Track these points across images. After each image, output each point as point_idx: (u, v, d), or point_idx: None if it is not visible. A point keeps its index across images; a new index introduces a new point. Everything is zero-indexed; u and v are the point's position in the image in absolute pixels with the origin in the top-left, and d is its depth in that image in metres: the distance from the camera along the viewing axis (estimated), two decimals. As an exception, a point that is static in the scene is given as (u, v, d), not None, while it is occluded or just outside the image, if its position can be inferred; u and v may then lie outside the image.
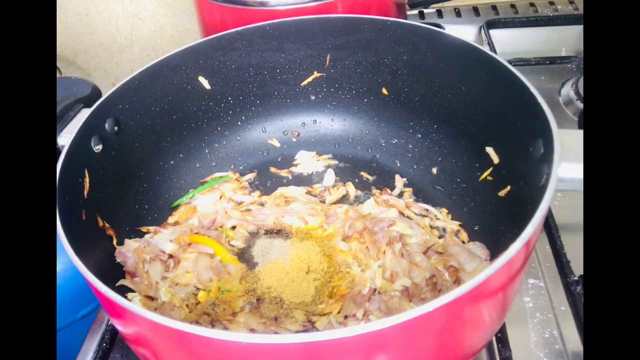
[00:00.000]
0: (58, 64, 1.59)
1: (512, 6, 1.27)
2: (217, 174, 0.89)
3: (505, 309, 0.56)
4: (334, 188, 0.86)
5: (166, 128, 0.85)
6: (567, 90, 1.01)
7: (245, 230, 0.78)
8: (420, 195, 0.82)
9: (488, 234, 0.72)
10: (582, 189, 0.53)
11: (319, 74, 0.91)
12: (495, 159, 0.72)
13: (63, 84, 0.89)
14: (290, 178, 0.89)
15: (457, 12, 1.29)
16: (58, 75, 1.57)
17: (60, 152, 0.64)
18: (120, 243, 0.72)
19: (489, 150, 0.73)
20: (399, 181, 0.85)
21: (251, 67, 0.89)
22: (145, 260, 0.70)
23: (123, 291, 0.67)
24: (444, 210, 0.78)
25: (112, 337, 0.70)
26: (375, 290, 0.67)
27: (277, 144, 0.94)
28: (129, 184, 0.79)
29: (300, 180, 0.89)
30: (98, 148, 0.72)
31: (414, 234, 0.73)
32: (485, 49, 0.71)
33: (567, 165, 0.54)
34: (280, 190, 0.85)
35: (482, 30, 1.17)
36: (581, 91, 0.98)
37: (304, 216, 0.78)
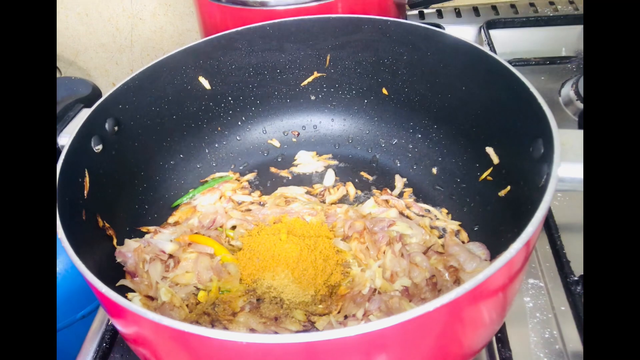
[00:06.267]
0: (58, 64, 1.59)
1: (512, 6, 1.27)
2: (217, 174, 0.89)
3: (505, 309, 0.56)
4: (334, 188, 0.86)
5: (166, 128, 0.85)
6: (567, 90, 1.01)
7: (245, 230, 0.78)
8: (420, 195, 0.82)
9: (488, 234, 0.72)
10: (582, 189, 0.53)
11: (319, 74, 0.91)
12: (495, 159, 0.72)
13: (63, 84, 0.89)
14: (290, 178, 0.89)
15: (457, 12, 1.29)
16: (58, 75, 1.57)
17: (60, 152, 0.64)
18: (120, 243, 0.72)
19: (489, 150, 0.73)
20: (399, 181, 0.85)
21: (251, 67, 0.89)
22: (145, 260, 0.70)
23: (123, 291, 0.67)
24: (444, 210, 0.79)
25: (112, 337, 0.70)
26: (375, 290, 0.67)
27: (277, 144, 0.94)
28: (129, 184, 0.79)
29: (300, 180, 0.89)
30: (98, 148, 0.72)
31: (414, 234, 0.73)
32: (485, 49, 0.71)
33: (567, 165, 0.54)
34: (280, 190, 0.85)
35: (482, 30, 1.17)
36: (581, 91, 0.98)
37: (304, 216, 0.78)
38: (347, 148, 0.93)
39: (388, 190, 0.83)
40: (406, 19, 1.13)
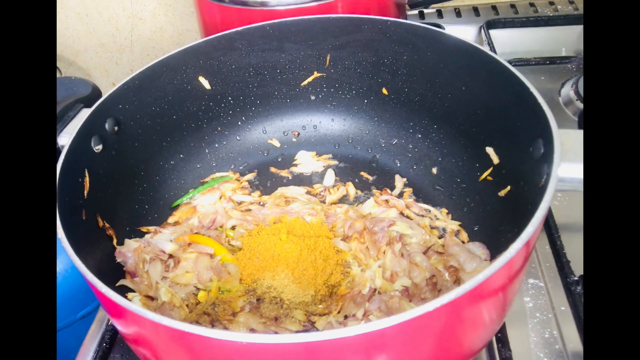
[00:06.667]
0: (58, 64, 1.59)
1: (512, 6, 1.27)
2: (217, 174, 0.89)
3: (505, 309, 0.56)
4: (334, 188, 0.86)
5: (166, 128, 0.85)
6: (567, 90, 1.01)
7: (245, 230, 0.78)
8: (420, 195, 0.82)
9: (488, 234, 0.72)
10: (582, 189, 0.53)
11: (319, 74, 0.91)
12: (495, 159, 0.72)
13: (63, 84, 0.89)
14: (290, 178, 0.89)
15: (457, 12, 1.29)
16: (58, 75, 1.57)
17: (60, 152, 0.64)
18: (120, 243, 0.72)
19: (489, 150, 0.73)
20: (399, 181, 0.85)
21: (251, 67, 0.89)
22: (145, 260, 0.70)
23: (123, 291, 0.67)
24: (444, 210, 0.79)
25: (112, 337, 0.70)
26: (375, 290, 0.67)
27: (277, 144, 0.94)
28: (129, 184, 0.79)
29: (300, 180, 0.89)
30: (98, 148, 0.72)
31: (414, 234, 0.73)
32: (485, 49, 0.71)
33: (567, 165, 0.54)
34: (280, 190, 0.85)
35: (482, 30, 1.17)
36: (581, 91, 0.98)
37: (304, 216, 0.78)
38: (347, 148, 0.93)
39: (388, 190, 0.83)
40: (406, 19, 1.13)
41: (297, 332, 0.64)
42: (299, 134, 0.95)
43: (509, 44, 1.18)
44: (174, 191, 0.86)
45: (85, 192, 0.67)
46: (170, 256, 0.72)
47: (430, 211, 0.79)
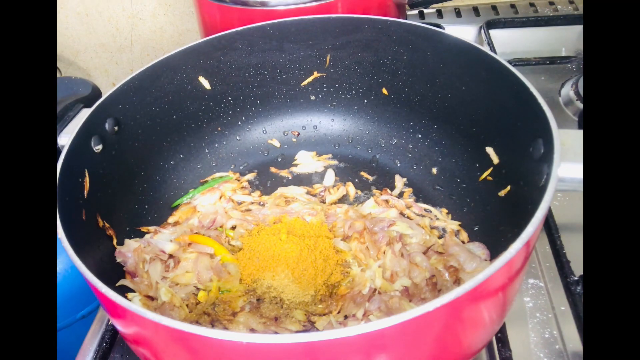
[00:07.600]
0: (58, 64, 1.59)
1: (512, 6, 1.27)
2: (217, 174, 0.89)
3: (505, 309, 0.56)
4: (334, 188, 0.86)
5: (166, 128, 0.85)
6: (567, 90, 1.01)
7: (245, 230, 0.78)
8: (420, 195, 0.82)
9: (488, 234, 0.72)
10: (582, 189, 0.53)
11: (319, 74, 0.91)
12: (495, 159, 0.72)
13: (63, 84, 0.89)
14: (290, 178, 0.89)
15: (457, 12, 1.29)
16: (58, 75, 1.57)
17: (60, 152, 0.64)
18: (120, 243, 0.72)
19: (489, 150, 0.73)
20: (399, 181, 0.85)
21: (251, 67, 0.89)
22: (145, 260, 0.70)
23: (123, 291, 0.67)
24: (444, 210, 0.79)
25: (112, 337, 0.70)
26: (375, 290, 0.67)
27: (277, 144, 0.94)
28: (129, 184, 0.79)
29: (300, 180, 0.89)
30: (98, 148, 0.72)
31: (414, 234, 0.73)
32: (485, 49, 0.71)
33: (567, 165, 0.54)
34: (280, 190, 0.85)
35: (482, 30, 1.17)
36: (581, 91, 0.98)
37: (304, 216, 0.78)
38: (347, 148, 0.93)
39: (388, 190, 0.83)
40: (406, 19, 1.13)
41: (297, 332, 0.64)
42: (299, 134, 0.95)
43: (509, 44, 1.18)
44: (174, 191, 0.86)
45: (85, 192, 0.67)
46: (170, 256, 0.72)
47: (430, 211, 0.79)
